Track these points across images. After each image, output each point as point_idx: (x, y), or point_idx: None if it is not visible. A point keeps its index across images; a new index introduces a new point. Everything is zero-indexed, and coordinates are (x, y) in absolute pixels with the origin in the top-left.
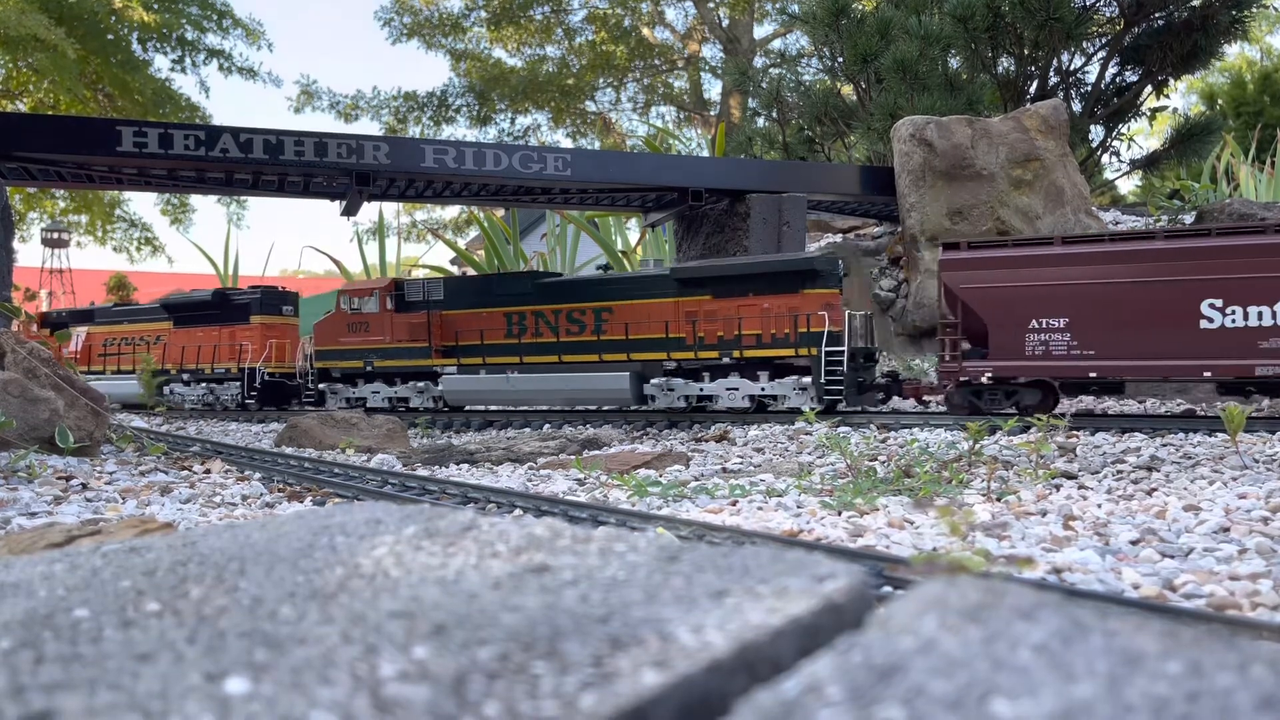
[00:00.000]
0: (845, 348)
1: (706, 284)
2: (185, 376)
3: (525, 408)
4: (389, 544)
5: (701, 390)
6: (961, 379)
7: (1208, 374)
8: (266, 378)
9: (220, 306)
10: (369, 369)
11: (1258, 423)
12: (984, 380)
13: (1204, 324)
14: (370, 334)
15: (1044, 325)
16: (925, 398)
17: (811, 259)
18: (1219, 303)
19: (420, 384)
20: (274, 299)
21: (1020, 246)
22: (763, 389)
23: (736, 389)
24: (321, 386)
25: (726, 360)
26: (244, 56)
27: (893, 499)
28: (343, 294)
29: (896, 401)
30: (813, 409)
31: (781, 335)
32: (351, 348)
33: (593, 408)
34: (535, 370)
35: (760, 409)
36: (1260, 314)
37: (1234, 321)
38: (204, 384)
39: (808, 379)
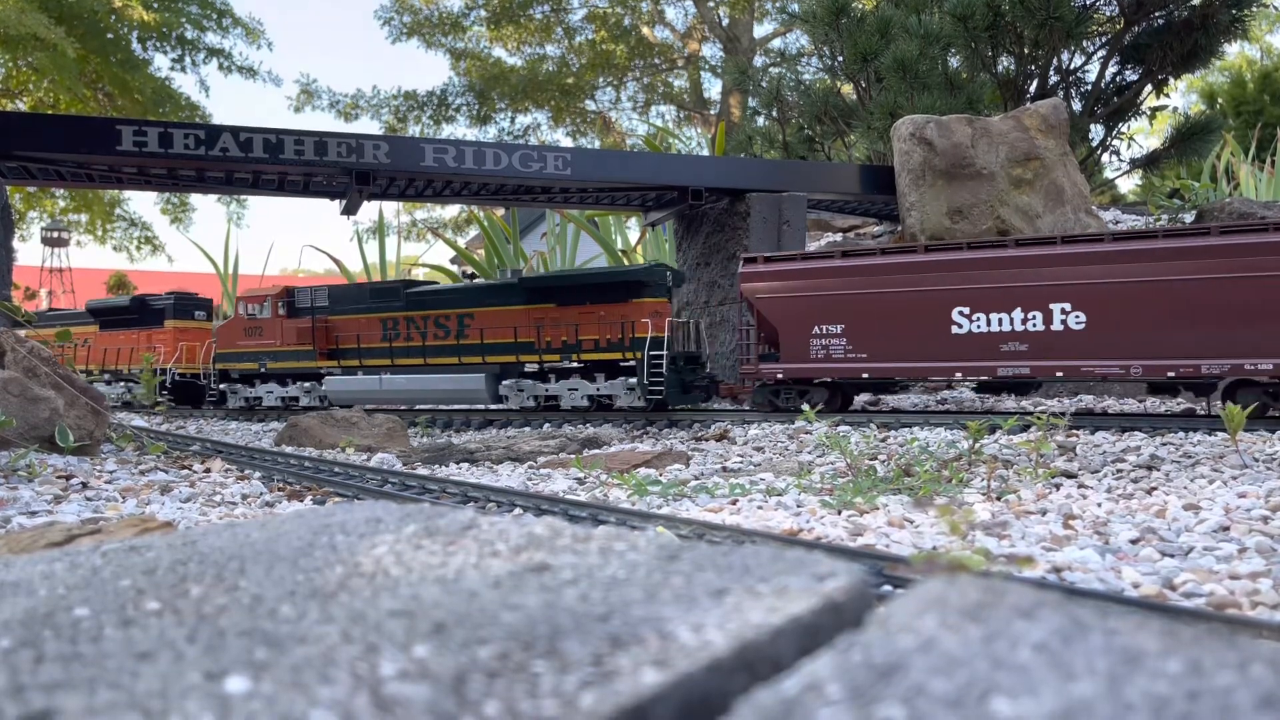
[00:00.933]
0: (665, 352)
1: (551, 293)
2: (106, 376)
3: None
4: (389, 543)
5: (547, 390)
6: (759, 380)
7: (959, 374)
8: (177, 378)
9: (139, 311)
10: (263, 370)
11: (1258, 422)
12: (778, 380)
13: (955, 330)
14: (264, 338)
15: (825, 331)
16: (740, 396)
17: (640, 271)
18: (967, 310)
19: (307, 384)
20: (187, 304)
21: (805, 260)
22: (598, 389)
23: (576, 389)
24: (222, 386)
25: (567, 363)
26: (244, 55)
27: (893, 498)
28: (240, 301)
29: (893, 400)
30: (638, 406)
31: (615, 340)
32: (248, 350)
33: (593, 407)
34: (405, 371)
35: (600, 407)
36: (1000, 320)
37: (979, 327)
38: (123, 383)
39: (634, 379)
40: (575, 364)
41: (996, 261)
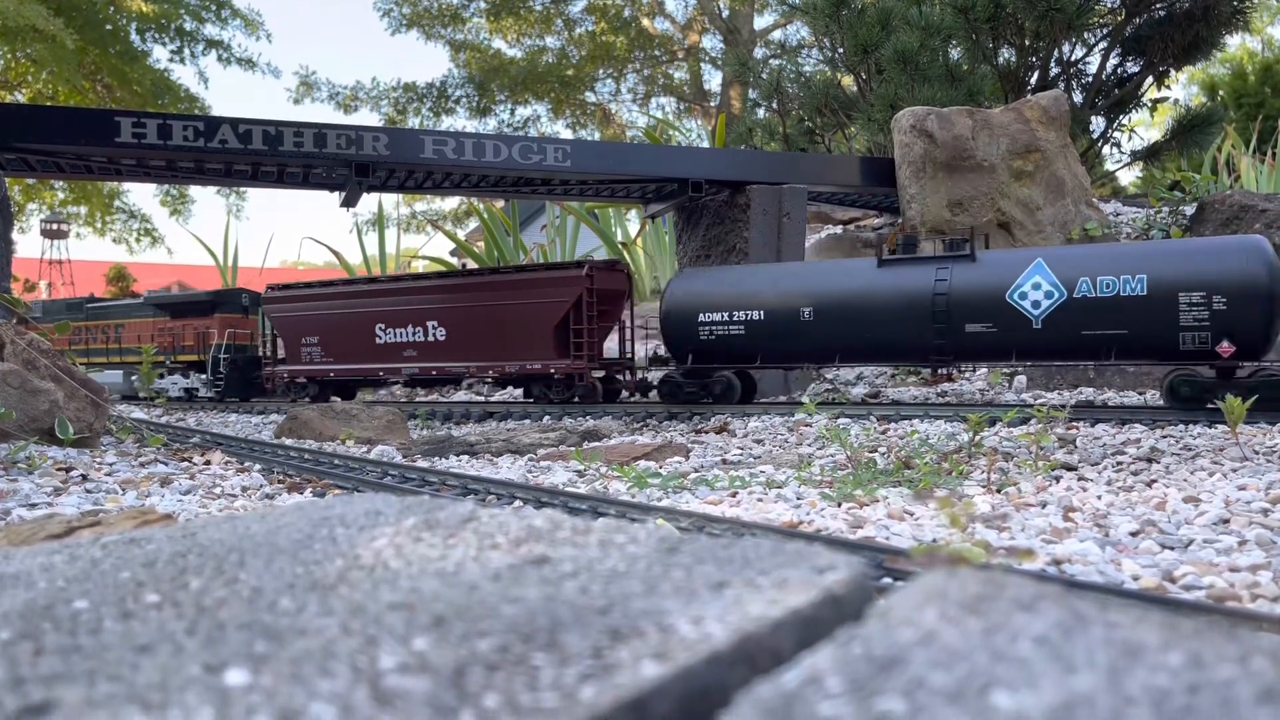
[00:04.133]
0: (224, 356)
1: (165, 308)
2: None
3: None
4: (389, 535)
5: (160, 383)
6: (279, 380)
7: (381, 373)
8: None
9: None
10: None
11: (1258, 415)
12: (285, 379)
13: (378, 340)
14: None
15: (309, 341)
16: (276, 391)
17: (217, 293)
18: (384, 325)
19: None
20: None
21: (302, 287)
22: (190, 382)
23: (176, 383)
24: None
25: (170, 363)
26: (242, 47)
27: (892, 490)
28: None
29: (896, 393)
30: (210, 395)
31: (201, 346)
32: None
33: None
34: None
35: (189, 397)
36: (401, 333)
37: (391, 338)
38: None
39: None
40: (176, 364)
41: (400, 289)
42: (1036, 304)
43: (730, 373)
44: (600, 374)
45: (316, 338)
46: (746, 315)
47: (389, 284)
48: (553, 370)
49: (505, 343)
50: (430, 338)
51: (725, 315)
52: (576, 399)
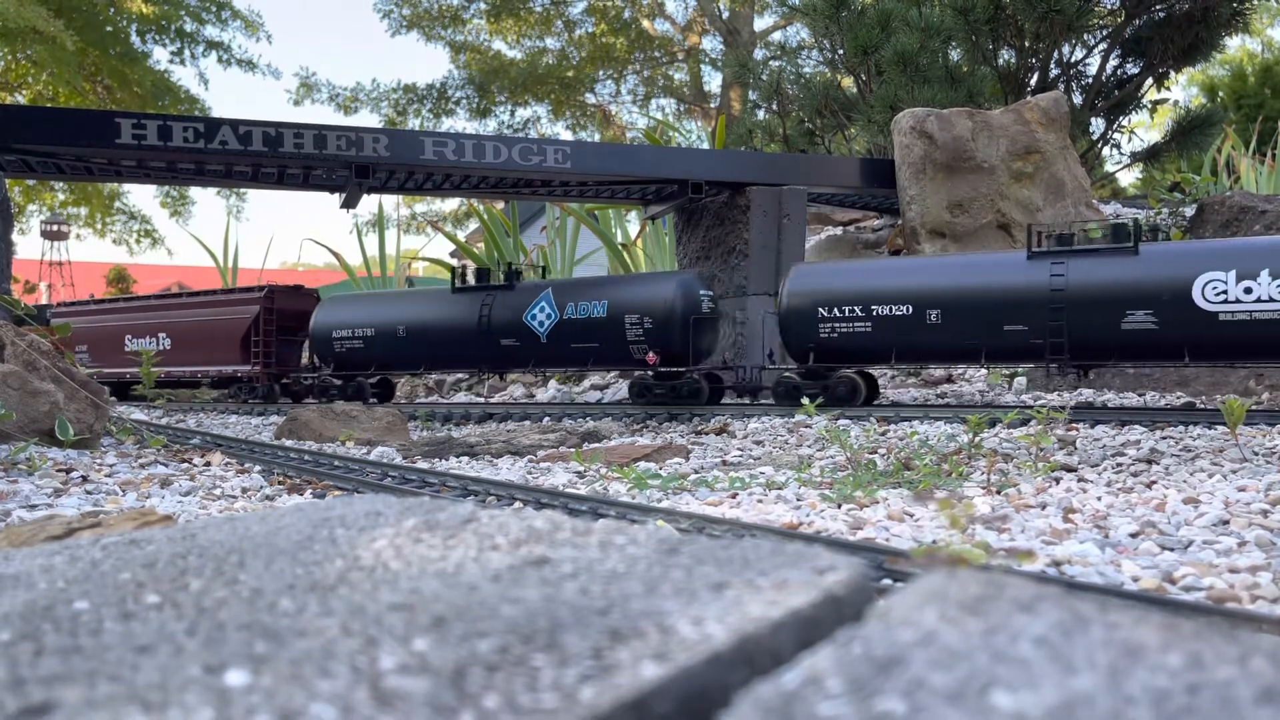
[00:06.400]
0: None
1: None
2: None
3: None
4: (389, 536)
5: None
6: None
7: (128, 376)
8: None
9: None
10: None
11: (1257, 415)
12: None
13: (127, 348)
14: None
15: (81, 350)
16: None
17: (39, 308)
18: (131, 336)
19: None
20: None
21: (76, 305)
22: None
23: None
24: None
25: None
26: (243, 48)
27: (892, 491)
28: None
29: (895, 394)
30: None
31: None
32: None
33: (591, 400)
34: None
35: None
36: (143, 341)
37: (140, 345)
38: None
39: None
40: None
41: (141, 306)
42: (542, 324)
43: (362, 377)
44: (286, 380)
45: (86, 346)
46: (364, 332)
47: (134, 302)
48: (240, 374)
49: (209, 351)
50: (161, 346)
51: (350, 332)
52: (260, 398)
